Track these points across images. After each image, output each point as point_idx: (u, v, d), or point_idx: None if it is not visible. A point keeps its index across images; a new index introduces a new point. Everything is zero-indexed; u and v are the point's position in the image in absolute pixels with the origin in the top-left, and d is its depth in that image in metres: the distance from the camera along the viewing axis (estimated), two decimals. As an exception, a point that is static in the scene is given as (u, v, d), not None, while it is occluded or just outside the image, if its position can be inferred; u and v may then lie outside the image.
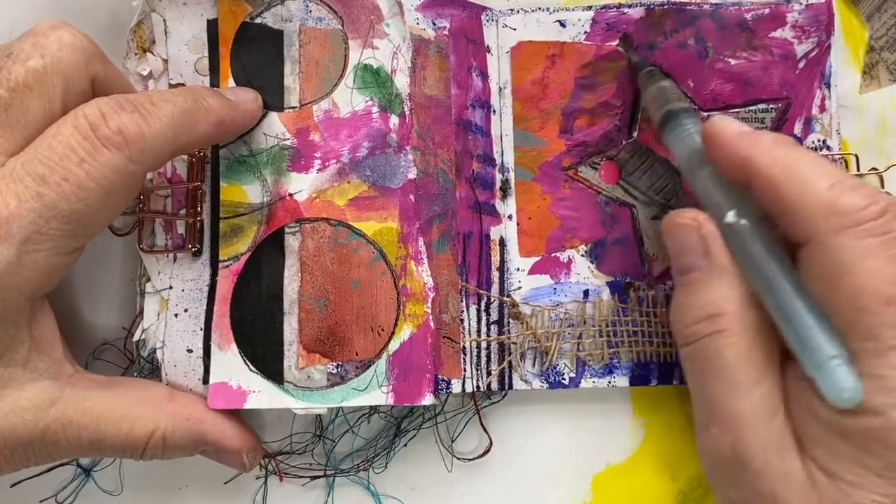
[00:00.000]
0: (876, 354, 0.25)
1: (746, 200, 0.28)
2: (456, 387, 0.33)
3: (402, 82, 0.34)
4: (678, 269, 0.29)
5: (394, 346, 0.33)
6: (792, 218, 0.26)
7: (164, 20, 0.34)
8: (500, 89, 0.35)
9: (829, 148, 0.35)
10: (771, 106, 0.35)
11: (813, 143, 0.35)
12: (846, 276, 0.25)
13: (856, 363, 0.25)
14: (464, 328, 0.34)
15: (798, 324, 0.26)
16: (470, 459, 0.35)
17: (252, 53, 0.34)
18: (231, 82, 0.34)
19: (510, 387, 0.34)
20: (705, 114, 0.34)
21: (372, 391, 0.32)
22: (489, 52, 0.35)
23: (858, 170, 0.35)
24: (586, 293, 0.34)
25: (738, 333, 0.27)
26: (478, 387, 0.34)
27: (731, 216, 0.28)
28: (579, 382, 0.34)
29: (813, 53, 0.34)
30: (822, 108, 0.35)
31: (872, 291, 0.25)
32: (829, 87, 0.35)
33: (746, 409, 0.27)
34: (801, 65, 0.35)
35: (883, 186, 0.36)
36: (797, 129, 0.35)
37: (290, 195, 0.33)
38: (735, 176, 0.28)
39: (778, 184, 0.27)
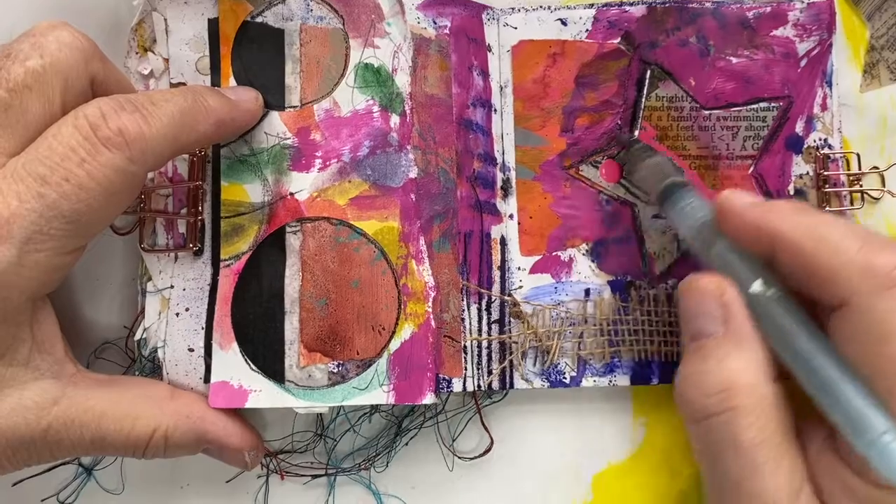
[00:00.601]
0: None
1: (768, 271, 0.27)
2: (457, 386, 0.33)
3: (402, 81, 0.34)
4: (691, 334, 0.28)
5: (395, 345, 0.33)
6: (824, 282, 0.26)
7: (165, 19, 0.34)
8: (501, 88, 0.35)
9: (830, 146, 0.35)
10: (772, 104, 0.35)
11: (814, 141, 0.35)
12: (890, 339, 0.24)
13: None
14: (465, 327, 0.34)
15: (843, 399, 0.25)
16: (471, 458, 0.35)
17: (253, 52, 0.34)
18: (232, 81, 0.34)
19: (511, 386, 0.34)
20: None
21: (373, 390, 0.32)
22: (490, 50, 0.35)
23: (860, 168, 0.35)
24: (587, 292, 0.34)
25: (755, 410, 0.26)
26: (479, 386, 0.34)
27: (757, 285, 0.27)
28: (580, 381, 0.34)
29: (814, 52, 0.34)
30: (824, 107, 0.35)
31: None
32: (830, 85, 0.35)
33: (771, 490, 0.25)
34: (802, 63, 0.34)
35: (884, 185, 0.36)
36: (798, 127, 0.35)
37: (291, 194, 0.33)
38: (754, 246, 0.27)
39: (805, 249, 0.26)
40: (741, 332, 0.27)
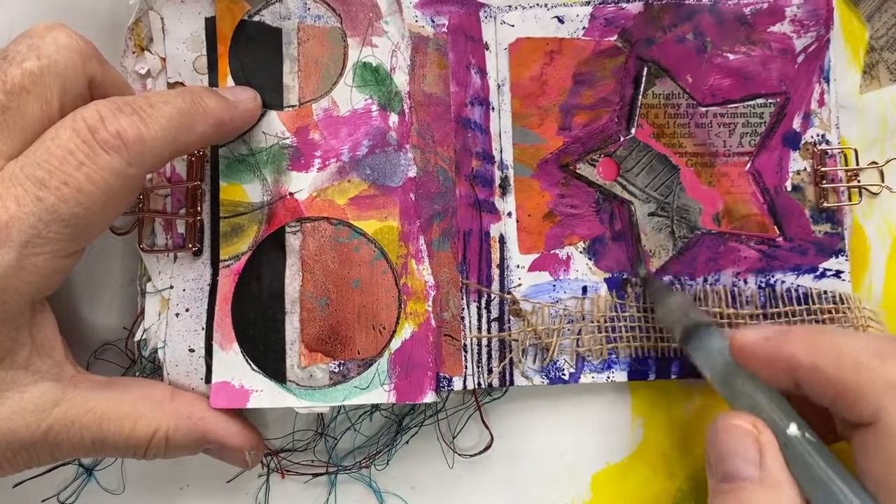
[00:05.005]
0: None
1: (796, 412, 0.27)
2: (457, 384, 0.33)
3: (401, 80, 0.34)
4: (722, 475, 0.27)
5: (395, 344, 0.33)
6: (851, 402, 0.25)
7: (162, 18, 0.34)
8: (499, 86, 0.35)
9: (827, 142, 0.35)
10: (770, 101, 0.35)
11: (812, 137, 0.35)
12: None
13: None
14: (465, 325, 0.34)
15: None
16: (471, 455, 0.35)
17: (250, 51, 0.34)
18: (230, 81, 0.34)
19: (511, 383, 0.34)
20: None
21: (374, 389, 0.32)
22: (487, 48, 0.35)
23: (857, 164, 0.35)
24: (585, 289, 0.35)
25: None
26: (479, 383, 0.34)
27: (793, 429, 0.27)
28: (579, 378, 0.34)
29: (812, 48, 0.34)
30: (822, 103, 0.35)
31: None
32: (828, 81, 0.35)
33: None
34: (799, 59, 0.35)
35: (883, 180, 0.36)
36: (796, 123, 0.35)
37: (291, 194, 0.33)
38: (776, 380, 0.27)
39: (826, 371, 0.26)
40: (777, 477, 0.26)
